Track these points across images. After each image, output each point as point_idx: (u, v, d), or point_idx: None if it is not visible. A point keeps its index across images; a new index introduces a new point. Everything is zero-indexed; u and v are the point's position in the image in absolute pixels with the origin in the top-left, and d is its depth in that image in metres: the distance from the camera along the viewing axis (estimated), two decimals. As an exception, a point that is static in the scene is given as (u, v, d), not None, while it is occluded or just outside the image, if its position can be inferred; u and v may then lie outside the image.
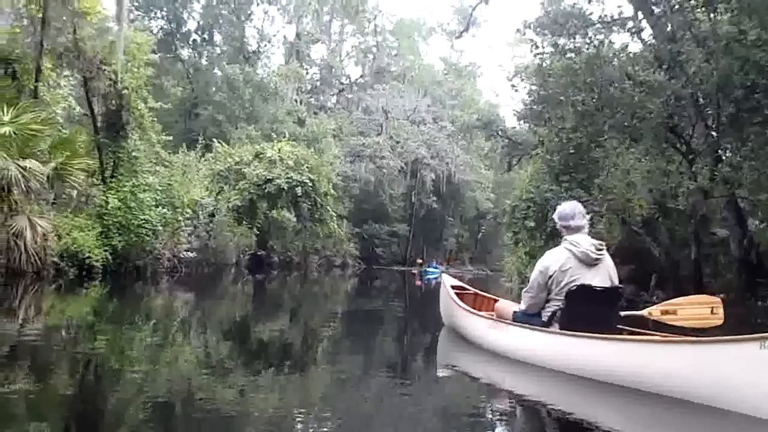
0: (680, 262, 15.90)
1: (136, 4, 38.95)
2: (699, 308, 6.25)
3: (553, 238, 23.32)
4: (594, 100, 14.02)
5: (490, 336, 6.30)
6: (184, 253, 19.03)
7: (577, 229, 5.64)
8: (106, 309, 10.62)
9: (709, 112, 13.08)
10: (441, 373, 6.09)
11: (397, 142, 46.39)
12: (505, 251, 35.12)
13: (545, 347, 5.43)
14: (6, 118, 12.69)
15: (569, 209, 5.76)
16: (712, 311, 6.15)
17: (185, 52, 41.49)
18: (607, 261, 5.64)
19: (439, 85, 56.56)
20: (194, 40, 41.81)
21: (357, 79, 54.86)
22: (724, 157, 12.83)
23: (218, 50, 42.64)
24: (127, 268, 16.52)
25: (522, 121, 17.37)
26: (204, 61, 40.71)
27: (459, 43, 68.24)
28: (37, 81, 15.88)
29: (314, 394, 4.82)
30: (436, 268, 35.50)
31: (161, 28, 40.80)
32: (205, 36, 42.00)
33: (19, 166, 12.59)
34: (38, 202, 14.43)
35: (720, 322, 6.13)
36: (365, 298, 18.44)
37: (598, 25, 14.51)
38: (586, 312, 5.29)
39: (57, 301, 11.05)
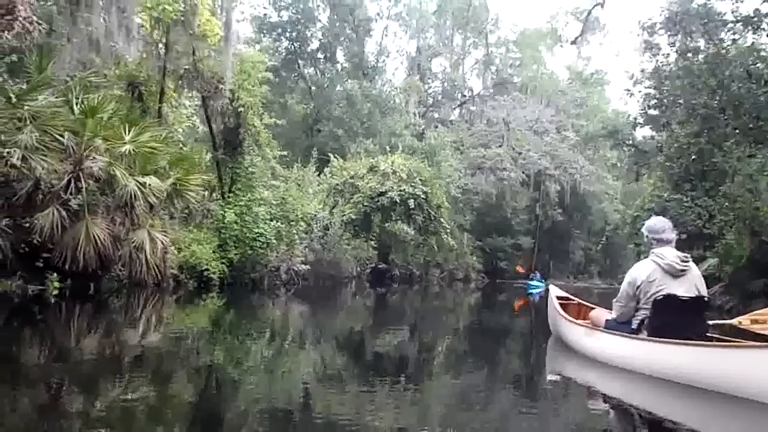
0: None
1: (264, 26, 40.56)
2: None
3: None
4: (716, 102, 13.22)
5: (586, 343, 6.72)
6: (299, 266, 19.37)
7: (666, 242, 5.92)
8: (223, 319, 11.01)
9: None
10: (549, 377, 6.48)
11: (519, 153, 45.60)
12: (632, 263, 33.51)
13: (634, 353, 5.79)
14: (127, 138, 13.37)
15: (660, 224, 6.08)
16: None
17: (308, 71, 42.58)
18: (694, 272, 5.88)
19: (563, 94, 55.18)
20: (316, 58, 42.85)
21: (479, 92, 54.45)
22: None
23: (339, 67, 43.48)
24: (243, 280, 17.03)
25: (639, 128, 16.54)
26: (325, 78, 41.60)
27: (585, 50, 66.44)
28: (161, 102, 16.74)
29: (428, 403, 4.92)
30: (540, 281, 33.43)
31: (285, 48, 42.15)
32: (327, 54, 42.93)
33: (139, 182, 13.21)
34: (160, 217, 15.12)
35: None
36: (484, 311, 18.13)
37: (720, 24, 13.58)
38: (673, 320, 5.58)
39: (177, 312, 11.57)
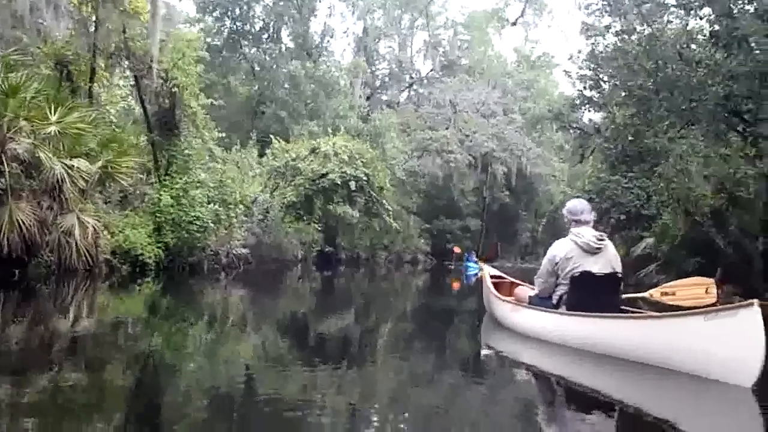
0: (751, 255, 14.93)
1: (206, 4, 39.61)
2: (695, 289, 6.89)
3: (619, 230, 22.61)
4: (651, 84, 13.29)
5: (512, 318, 7.22)
6: (239, 249, 19.07)
7: (585, 223, 6.34)
8: (160, 305, 10.80)
9: (770, 91, 12.14)
10: (483, 352, 6.93)
11: (466, 136, 45.65)
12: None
13: (554, 326, 6.24)
14: (53, 118, 12.90)
15: (579, 206, 6.54)
16: (706, 291, 6.77)
17: (251, 51, 41.82)
18: (609, 250, 6.29)
19: (510, 77, 55.41)
20: (260, 39, 42.01)
21: (427, 74, 54.32)
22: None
23: (283, 47, 42.71)
24: (180, 264, 16.68)
25: (579, 109, 16.60)
26: (269, 59, 40.89)
27: (533, 33, 66.96)
28: (91, 81, 16.22)
29: (371, 382, 4.99)
30: (475, 263, 32.93)
31: (228, 28, 41.29)
32: (271, 34, 42.16)
33: (66, 165, 12.79)
34: (93, 201, 14.68)
35: (713, 300, 6.69)
36: (431, 293, 18.15)
37: (651, 5, 13.64)
38: (589, 295, 6.00)
39: (110, 298, 11.23)
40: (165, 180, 16.64)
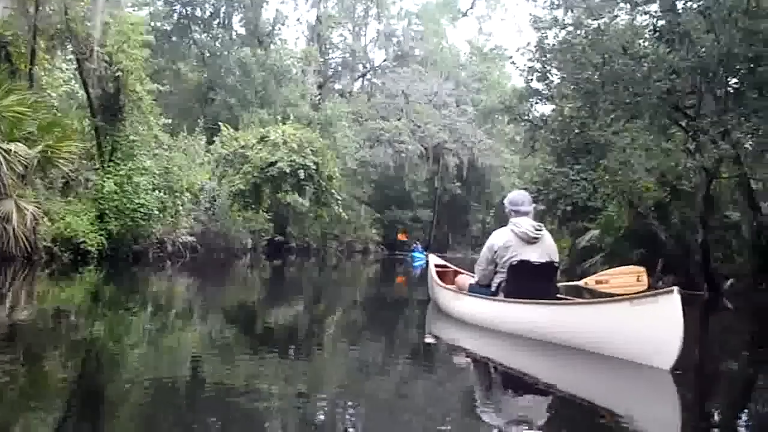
0: (691, 247, 15.27)
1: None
2: (627, 277, 7.12)
3: (565, 221, 22.91)
4: (597, 77, 13.45)
5: (454, 305, 7.37)
6: (185, 237, 18.79)
7: (524, 214, 6.50)
8: (102, 294, 10.48)
9: (713, 86, 12.40)
10: (426, 339, 6.98)
11: (418, 126, 45.80)
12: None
13: (492, 313, 6.44)
14: (-11, 101, 12.53)
15: (519, 197, 6.69)
16: (637, 279, 6.99)
17: (200, 37, 41.16)
18: (547, 240, 6.47)
19: (463, 69, 55.72)
20: (209, 24, 41.35)
21: (380, 64, 54.24)
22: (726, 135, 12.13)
23: (234, 34, 42.15)
24: (124, 252, 16.33)
25: (525, 101, 16.73)
26: (219, 45, 40.28)
27: (486, 26, 67.28)
28: (32, 64, 15.75)
29: (318, 370, 4.96)
30: (421, 252, 32.85)
31: (178, 13, 40.50)
32: (221, 20, 41.56)
33: (2, 149, 12.43)
34: (34, 187, 14.29)
35: (644, 288, 6.82)
36: (380, 282, 18.14)
37: (600, 0, 13.79)
38: (526, 283, 6.18)
39: (50, 286, 10.90)
40: (109, 166, 16.24)
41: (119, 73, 16.09)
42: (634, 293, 5.71)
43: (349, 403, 3.88)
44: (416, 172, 48.54)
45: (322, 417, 3.54)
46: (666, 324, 4.66)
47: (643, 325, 4.81)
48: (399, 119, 45.46)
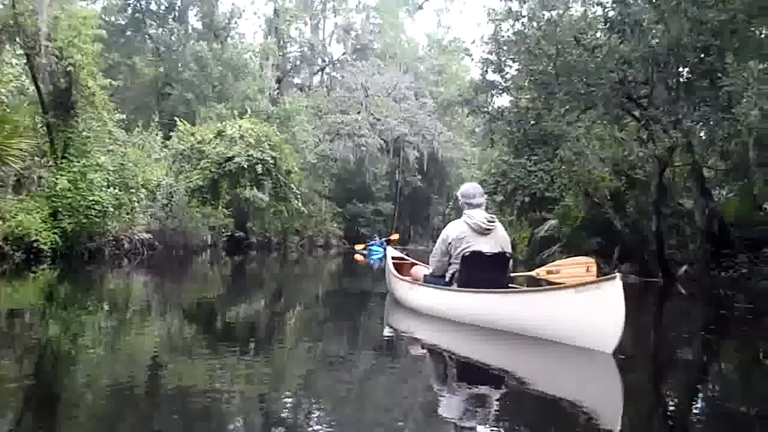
0: (646, 235, 15.53)
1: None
2: (577, 267, 7.24)
3: (524, 212, 23.11)
4: (551, 69, 13.58)
5: (410, 296, 7.53)
6: (142, 234, 18.53)
7: (477, 206, 6.65)
8: (57, 293, 10.18)
9: (664, 76, 12.60)
10: (385, 331, 7.03)
11: (378, 120, 45.79)
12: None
13: (446, 303, 6.61)
14: (-66, 97, 12.21)
15: (472, 190, 6.79)
16: (587, 270, 7.08)
17: (156, 31, 40.57)
18: (499, 231, 6.67)
19: (422, 62, 55.86)
20: (165, 18, 40.71)
21: (339, 58, 54.06)
22: (678, 124, 12.35)
23: (189, 28, 41.60)
24: (79, 250, 16.05)
25: (482, 93, 16.80)
26: (174, 40, 39.71)
27: (445, 19, 67.45)
28: (-21, 59, 15.37)
29: (279, 367, 4.92)
30: (379, 246, 32.67)
31: (132, 6, 39.85)
32: (176, 14, 40.95)
33: (-51, 146, 12.15)
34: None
35: (593, 278, 6.78)
36: (342, 276, 18.10)
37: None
38: (479, 273, 6.36)
39: (1, 286, 10.59)
40: (62, 163, 15.91)
41: (70, 68, 15.76)
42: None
43: (308, 399, 3.87)
44: (377, 166, 48.60)
45: (281, 413, 3.53)
46: (608, 310, 4.83)
47: (587, 311, 4.98)
48: (359, 113, 45.39)
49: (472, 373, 4.77)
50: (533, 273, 7.80)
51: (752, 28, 11.33)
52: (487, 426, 3.38)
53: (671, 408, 4.05)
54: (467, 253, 6.45)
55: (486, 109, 25.83)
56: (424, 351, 5.87)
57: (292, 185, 25.72)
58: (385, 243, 29.54)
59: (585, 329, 5.02)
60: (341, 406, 3.77)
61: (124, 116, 19.81)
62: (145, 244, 19.07)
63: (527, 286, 7.30)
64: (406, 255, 10.57)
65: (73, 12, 16.53)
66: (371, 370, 4.82)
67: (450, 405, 3.81)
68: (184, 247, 22.76)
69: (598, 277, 6.52)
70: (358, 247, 37.71)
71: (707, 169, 14.85)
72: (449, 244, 6.64)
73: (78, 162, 15.95)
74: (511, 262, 6.84)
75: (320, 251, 36.70)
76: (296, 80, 51.73)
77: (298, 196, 26.98)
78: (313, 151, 36.46)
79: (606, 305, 4.85)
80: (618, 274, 4.89)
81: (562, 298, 5.29)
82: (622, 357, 4.81)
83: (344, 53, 53.40)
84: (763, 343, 6.94)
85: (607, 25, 12.49)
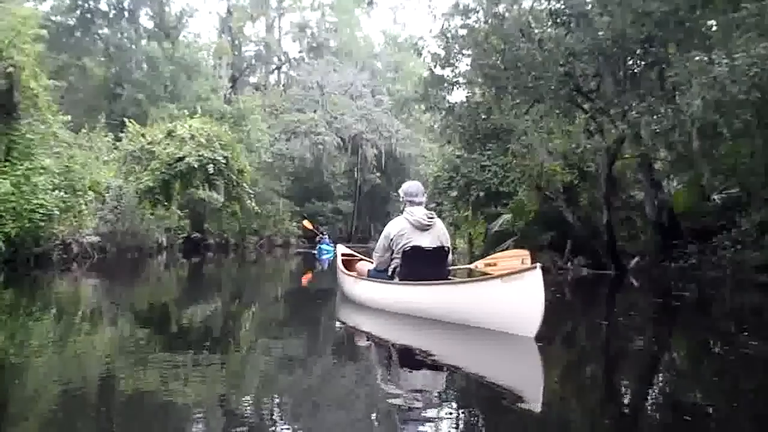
0: (597, 227, 15.64)
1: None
2: (513, 260, 7.56)
3: (479, 207, 23.13)
4: (500, 62, 13.58)
5: (355, 290, 7.87)
6: (90, 238, 18.10)
7: (418, 203, 7.00)
8: (1, 300, 9.89)
9: (611, 68, 12.67)
10: (336, 325, 7.48)
11: (335, 118, 45.65)
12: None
13: (388, 296, 6.94)
14: None
15: (413, 188, 7.15)
16: (522, 262, 7.32)
17: (105, 31, 39.80)
18: (438, 227, 6.99)
19: (378, 59, 55.82)
20: (115, 18, 40.01)
21: (294, 56, 53.78)
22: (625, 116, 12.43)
23: (141, 28, 40.82)
24: (24, 256, 15.61)
25: (434, 88, 16.71)
26: (125, 40, 39.05)
27: (401, 16, 67.46)
28: None
29: (235, 368, 4.87)
30: (329, 245, 31.67)
31: (80, 6, 38.97)
32: (126, 13, 40.22)
33: None
34: None
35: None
36: (297, 276, 17.92)
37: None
38: (419, 267, 6.71)
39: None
40: (5, 167, 15.46)
41: (11, 69, 15.33)
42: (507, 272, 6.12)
43: (262, 399, 3.87)
44: (335, 164, 48.43)
45: (235, 412, 3.49)
46: (530, 297, 5.22)
47: (512, 299, 5.36)
48: (315, 111, 45.21)
49: (411, 360, 5.04)
50: (472, 266, 8.17)
51: (695, 19, 11.43)
52: (428, 408, 3.55)
53: (587, 383, 4.62)
54: (408, 248, 6.78)
55: (441, 106, 25.91)
56: (369, 342, 6.19)
57: (244, 185, 25.45)
58: (332, 243, 29.11)
59: (510, 316, 5.40)
60: (292, 404, 3.76)
61: (69, 118, 19.32)
62: (95, 248, 18.62)
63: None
64: (362, 253, 10.68)
65: (12, 11, 16.06)
66: (322, 364, 4.98)
67: (393, 391, 4.00)
68: (138, 249, 22.29)
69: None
70: (307, 223, 36.22)
71: (655, 160, 15.00)
72: (391, 239, 6.95)
73: (21, 165, 15.52)
74: (450, 256, 7.17)
75: (279, 251, 36.39)
76: (252, 79, 51.37)
77: (252, 196, 26.72)
78: (269, 150, 36.12)
79: (528, 293, 5.23)
80: (538, 265, 5.28)
81: (490, 288, 5.66)
82: (540, 344, 5.20)
83: (300, 52, 53.20)
84: (700, 331, 7.22)
85: (553, 18, 12.54)
